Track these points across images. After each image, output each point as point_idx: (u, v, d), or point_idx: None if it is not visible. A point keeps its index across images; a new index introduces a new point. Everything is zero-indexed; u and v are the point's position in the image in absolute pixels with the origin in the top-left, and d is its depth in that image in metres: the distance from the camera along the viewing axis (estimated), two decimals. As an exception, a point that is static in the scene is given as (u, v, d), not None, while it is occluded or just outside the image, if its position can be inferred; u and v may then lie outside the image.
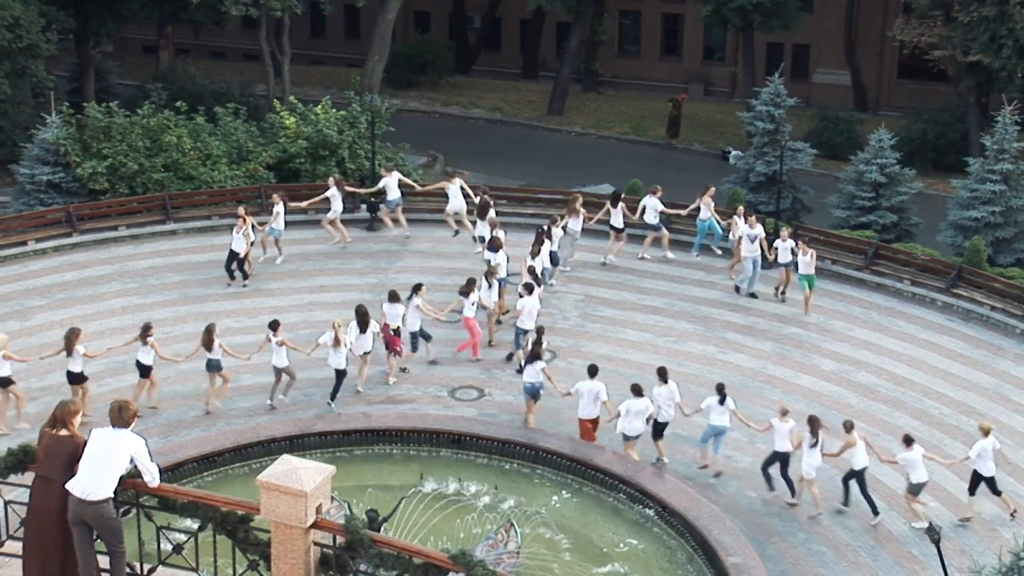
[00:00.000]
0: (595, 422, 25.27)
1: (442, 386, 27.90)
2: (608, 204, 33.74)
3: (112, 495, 11.86)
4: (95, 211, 35.17)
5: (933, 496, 24.26)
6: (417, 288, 28.29)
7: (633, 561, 22.35)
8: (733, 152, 48.01)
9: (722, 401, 24.60)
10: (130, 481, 12.16)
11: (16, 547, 12.64)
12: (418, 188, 35.88)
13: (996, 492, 23.59)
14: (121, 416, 12.00)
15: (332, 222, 34.31)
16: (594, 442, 25.24)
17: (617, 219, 33.44)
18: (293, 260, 33.55)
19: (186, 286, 31.93)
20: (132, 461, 12.04)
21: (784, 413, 24.05)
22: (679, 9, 61.46)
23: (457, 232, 34.54)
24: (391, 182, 34.51)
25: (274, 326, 26.50)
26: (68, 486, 11.73)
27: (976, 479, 23.53)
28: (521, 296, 28.79)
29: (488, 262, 30.36)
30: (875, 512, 23.55)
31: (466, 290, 28.60)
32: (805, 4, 56.52)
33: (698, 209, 33.83)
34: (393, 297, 28.04)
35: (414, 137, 46.51)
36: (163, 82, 48.69)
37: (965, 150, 45.24)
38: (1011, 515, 23.43)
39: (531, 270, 29.71)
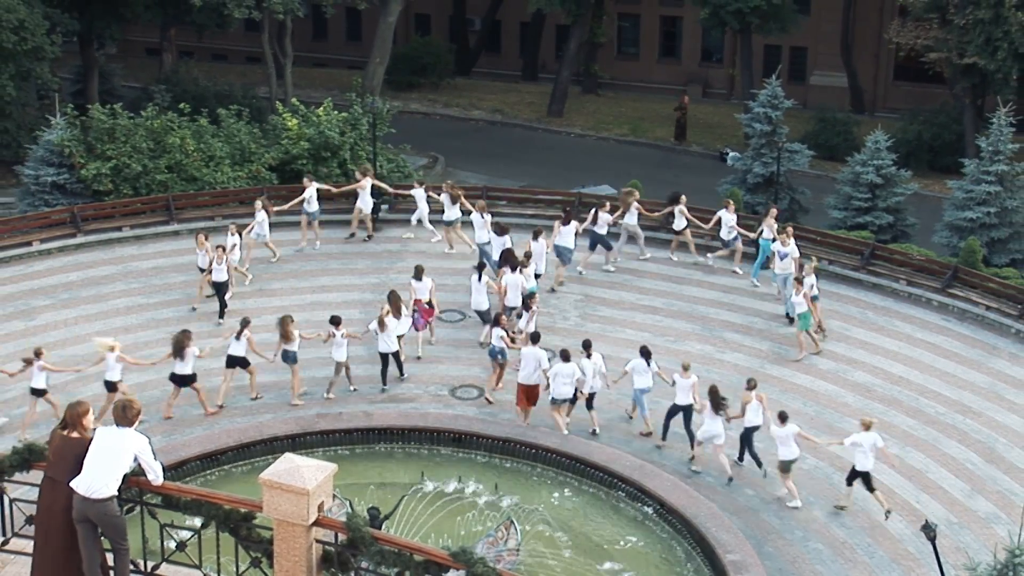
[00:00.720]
0: (534, 388, 25.90)
1: (443, 385, 27.92)
2: (669, 206, 33.83)
3: (116, 493, 11.86)
4: (99, 212, 35.16)
5: (929, 495, 24.31)
6: (480, 267, 29.76)
7: (632, 558, 22.36)
8: (731, 153, 48.01)
9: (648, 363, 25.94)
10: (134, 479, 12.15)
11: (22, 544, 12.65)
12: (334, 191, 34.95)
13: (869, 488, 23.55)
14: (125, 415, 12.00)
15: (363, 217, 34.64)
16: (528, 408, 25.94)
17: (680, 222, 33.51)
18: (296, 260, 33.53)
19: (189, 286, 31.86)
20: (136, 460, 12.04)
21: (686, 369, 25.35)
22: (677, 12, 61.44)
23: (353, 235, 34.64)
24: (311, 192, 33.86)
25: (336, 321, 26.94)
26: (72, 484, 11.73)
27: (853, 473, 23.64)
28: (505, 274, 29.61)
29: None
30: (757, 464, 24.87)
31: (512, 264, 29.67)
32: (802, 7, 56.53)
33: (761, 232, 32.66)
34: (418, 274, 29.25)
35: (415, 138, 46.52)
36: (166, 84, 48.71)
37: (961, 151, 45.26)
38: (886, 514, 23.41)
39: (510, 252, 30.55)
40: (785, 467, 23.93)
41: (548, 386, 25.73)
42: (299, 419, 25.94)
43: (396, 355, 27.67)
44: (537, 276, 30.79)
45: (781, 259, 30.79)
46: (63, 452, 11.96)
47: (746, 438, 24.90)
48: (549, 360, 25.93)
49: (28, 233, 33.73)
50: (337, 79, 57.87)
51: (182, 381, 26.08)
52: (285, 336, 26.65)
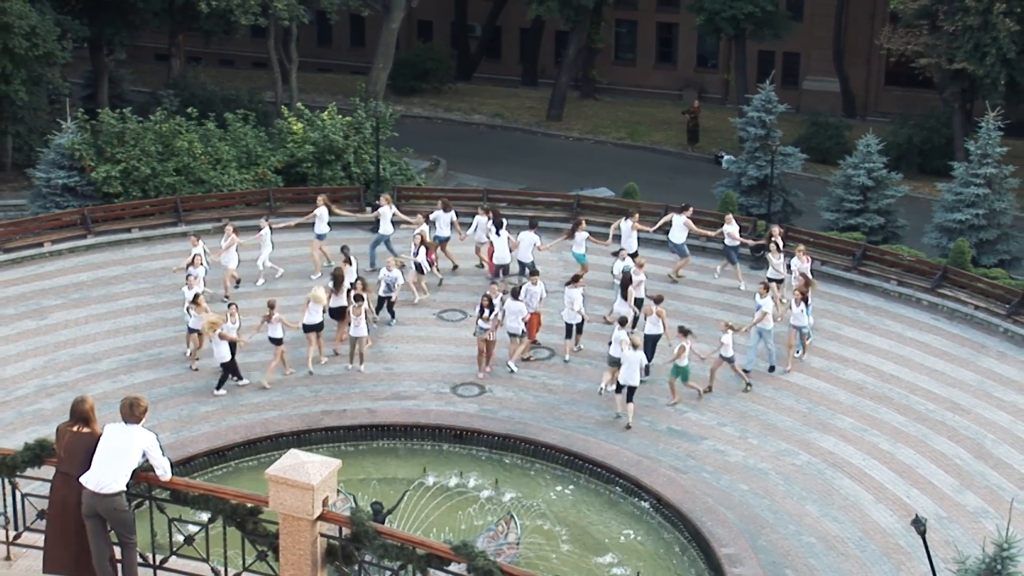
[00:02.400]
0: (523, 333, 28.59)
1: (444, 383, 27.92)
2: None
3: (124, 488, 11.85)
4: (109, 214, 35.18)
5: (919, 490, 24.32)
6: (499, 225, 32.13)
7: (629, 552, 22.37)
8: (726, 156, 48.00)
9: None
10: (143, 475, 12.15)
11: (33, 538, 12.65)
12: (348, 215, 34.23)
13: (629, 400, 26.02)
14: (132, 412, 11.99)
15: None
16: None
17: (778, 268, 31.13)
18: (303, 260, 33.45)
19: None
20: (144, 456, 12.03)
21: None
22: (673, 18, 61.44)
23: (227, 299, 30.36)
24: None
25: (358, 299, 27.92)
26: (82, 480, 11.72)
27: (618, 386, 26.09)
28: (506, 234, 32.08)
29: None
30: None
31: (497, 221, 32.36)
32: (795, 14, 56.56)
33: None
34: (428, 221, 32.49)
35: (417, 142, 46.50)
36: (175, 89, 48.71)
37: (950, 155, 45.24)
38: (627, 427, 25.80)
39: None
40: (611, 361, 26.59)
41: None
42: (304, 416, 25.96)
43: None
44: (633, 255, 31.38)
45: (757, 309, 28.37)
46: (74, 448, 11.95)
47: (649, 346, 27.21)
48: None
49: (40, 234, 33.76)
50: (341, 84, 57.88)
51: (338, 314, 28.27)
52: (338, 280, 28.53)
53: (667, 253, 33.51)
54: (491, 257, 32.45)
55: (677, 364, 26.79)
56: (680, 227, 32.55)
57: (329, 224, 32.86)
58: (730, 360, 27.41)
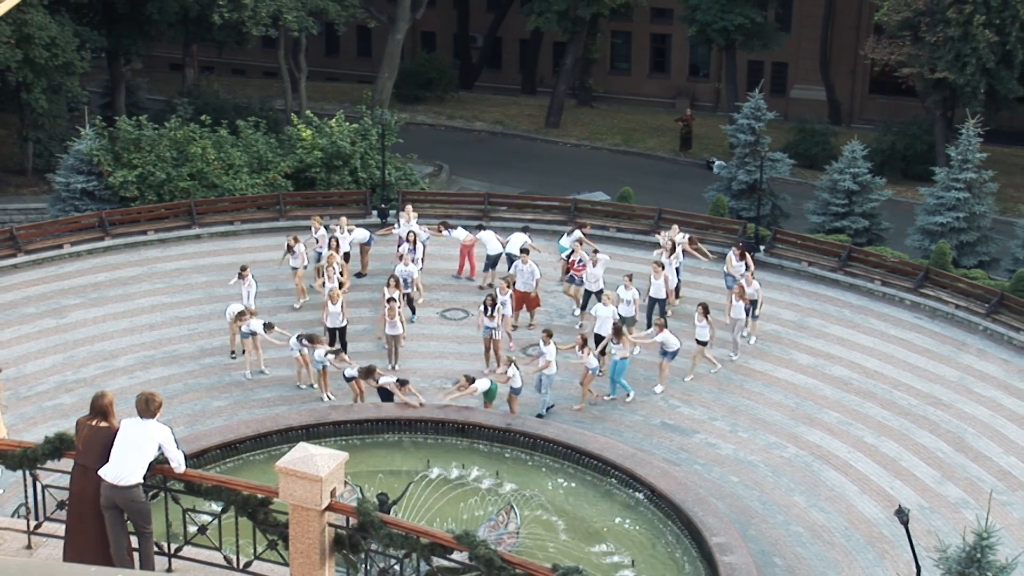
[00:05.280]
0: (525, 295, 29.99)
1: (447, 379, 27.90)
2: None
3: (141, 480, 11.86)
4: (126, 217, 35.18)
5: (902, 481, 24.31)
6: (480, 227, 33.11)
7: (624, 541, 22.35)
8: (717, 162, 47.90)
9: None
10: (158, 467, 12.15)
11: (53, 528, 12.66)
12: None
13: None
14: (148, 407, 12.00)
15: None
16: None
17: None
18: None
19: (210, 286, 31.90)
20: (160, 449, 12.03)
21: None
22: (667, 29, 61.38)
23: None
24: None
25: (391, 300, 28.21)
26: (100, 472, 11.73)
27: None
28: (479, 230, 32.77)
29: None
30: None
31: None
32: (783, 25, 56.48)
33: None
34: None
35: (421, 148, 46.48)
36: (189, 97, 48.70)
37: (932, 160, 45.21)
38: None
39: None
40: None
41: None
42: (313, 410, 25.96)
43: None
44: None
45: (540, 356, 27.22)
46: (92, 441, 11.96)
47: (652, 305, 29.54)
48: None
49: (59, 236, 33.77)
50: (348, 92, 57.82)
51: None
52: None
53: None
54: (463, 255, 32.63)
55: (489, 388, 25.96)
56: (737, 264, 31.11)
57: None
58: (516, 392, 26.18)
